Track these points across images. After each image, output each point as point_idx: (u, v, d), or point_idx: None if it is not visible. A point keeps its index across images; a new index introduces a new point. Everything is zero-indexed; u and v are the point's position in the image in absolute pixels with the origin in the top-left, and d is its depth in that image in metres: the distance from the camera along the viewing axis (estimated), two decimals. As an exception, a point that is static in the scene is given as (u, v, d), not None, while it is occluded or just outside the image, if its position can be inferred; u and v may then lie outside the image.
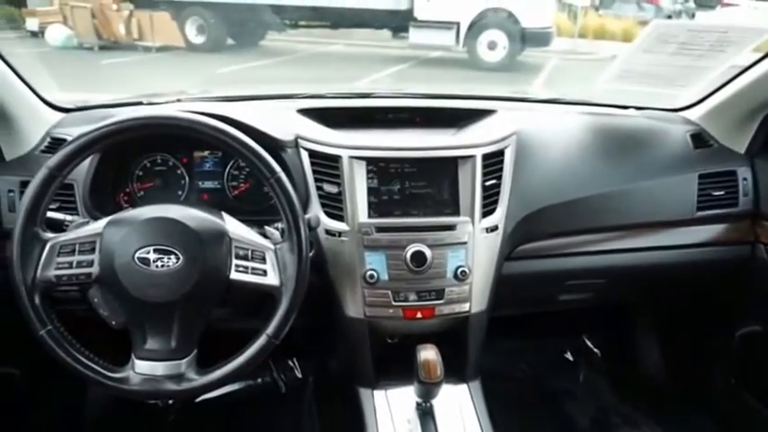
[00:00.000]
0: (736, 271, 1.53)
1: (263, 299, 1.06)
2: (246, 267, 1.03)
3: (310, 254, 1.20)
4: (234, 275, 1.02)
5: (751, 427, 1.60)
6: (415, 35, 8.85)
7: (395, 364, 1.36)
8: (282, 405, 1.90)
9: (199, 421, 1.86)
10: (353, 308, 1.28)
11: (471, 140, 1.32)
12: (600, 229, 1.43)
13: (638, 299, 1.85)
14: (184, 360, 1.01)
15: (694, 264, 1.48)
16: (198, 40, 9.04)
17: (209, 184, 1.39)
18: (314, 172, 1.28)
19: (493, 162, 1.31)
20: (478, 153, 1.29)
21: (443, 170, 1.29)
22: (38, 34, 8.32)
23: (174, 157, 1.37)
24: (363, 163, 1.27)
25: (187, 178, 1.38)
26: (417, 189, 1.29)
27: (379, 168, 1.28)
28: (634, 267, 1.46)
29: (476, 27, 8.58)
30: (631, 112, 1.67)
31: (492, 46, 8.57)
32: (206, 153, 1.38)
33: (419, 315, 1.27)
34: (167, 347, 1.00)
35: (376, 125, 1.41)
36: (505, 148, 1.34)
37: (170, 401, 1.91)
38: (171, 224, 0.99)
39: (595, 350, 2.14)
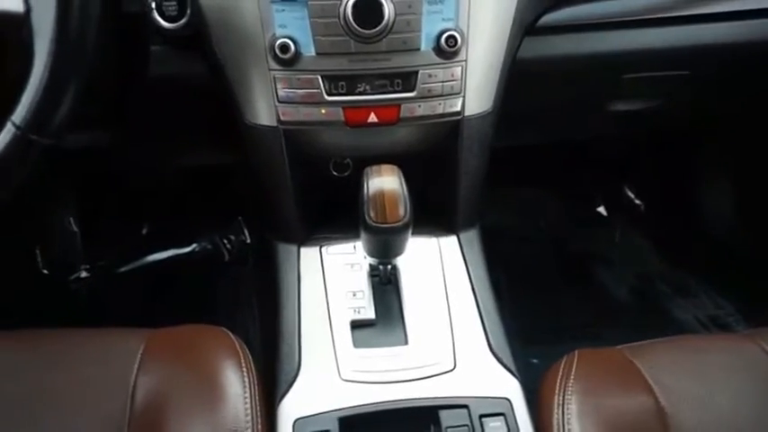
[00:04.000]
0: None
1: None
2: None
3: (181, 20, 0.72)
4: None
5: None
6: None
7: (344, 211, 0.86)
8: (222, 276, 1.45)
9: (114, 295, 1.43)
10: (259, 108, 0.75)
11: None
12: None
13: (732, 110, 1.26)
14: None
15: None
16: None
17: None
18: None
19: None
20: None
21: None
22: None
23: None
24: None
25: None
26: None
27: None
28: (746, 46, 0.87)
29: None
30: None
31: None
32: None
33: (373, 118, 0.74)
34: None
35: None
36: None
37: (82, 275, 1.48)
38: None
39: (637, 201, 1.62)
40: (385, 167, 0.66)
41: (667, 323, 1.37)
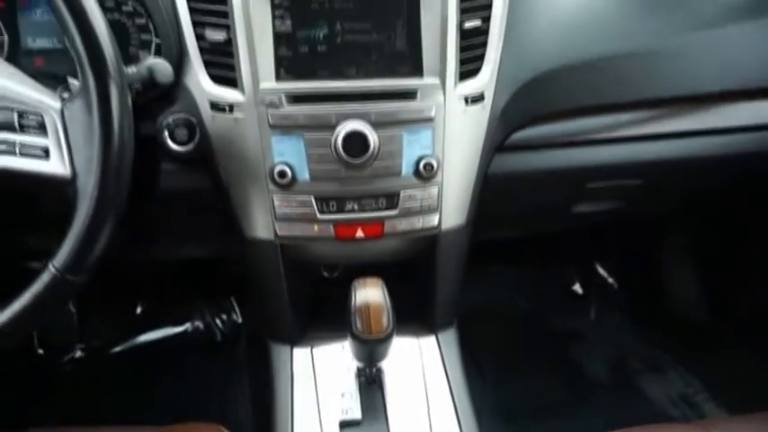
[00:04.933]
0: None
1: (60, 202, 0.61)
2: (12, 144, 0.58)
3: (189, 144, 0.80)
4: None
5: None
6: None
7: (334, 309, 0.93)
8: (214, 357, 1.49)
9: (108, 376, 1.46)
10: (259, 225, 0.83)
11: None
12: (640, 104, 0.96)
13: (682, 208, 1.38)
14: None
15: None
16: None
17: (44, 43, 0.90)
18: (191, 11, 0.80)
19: None
20: None
21: (397, 4, 0.81)
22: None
23: None
24: None
25: (6, 35, 0.89)
26: (355, 35, 0.81)
27: (294, 2, 0.80)
28: (688, 160, 0.99)
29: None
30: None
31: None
32: None
33: (360, 234, 0.82)
34: None
35: None
36: None
37: (77, 355, 1.52)
38: None
39: (610, 280, 1.71)
40: (370, 281, 0.74)
41: (640, 400, 1.43)
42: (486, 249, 1.20)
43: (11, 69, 0.63)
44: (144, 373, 1.46)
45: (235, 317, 1.59)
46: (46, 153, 0.59)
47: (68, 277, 0.58)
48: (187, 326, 1.58)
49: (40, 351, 1.49)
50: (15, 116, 0.58)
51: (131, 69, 0.66)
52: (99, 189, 0.57)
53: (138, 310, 1.59)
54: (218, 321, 1.59)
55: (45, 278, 0.58)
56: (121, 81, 0.58)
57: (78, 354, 1.51)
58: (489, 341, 1.51)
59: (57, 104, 0.60)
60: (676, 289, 1.57)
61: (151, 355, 1.51)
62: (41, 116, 0.59)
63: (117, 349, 1.53)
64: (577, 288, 1.73)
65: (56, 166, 0.59)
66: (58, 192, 0.59)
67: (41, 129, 0.59)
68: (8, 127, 0.58)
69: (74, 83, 0.65)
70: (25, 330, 0.60)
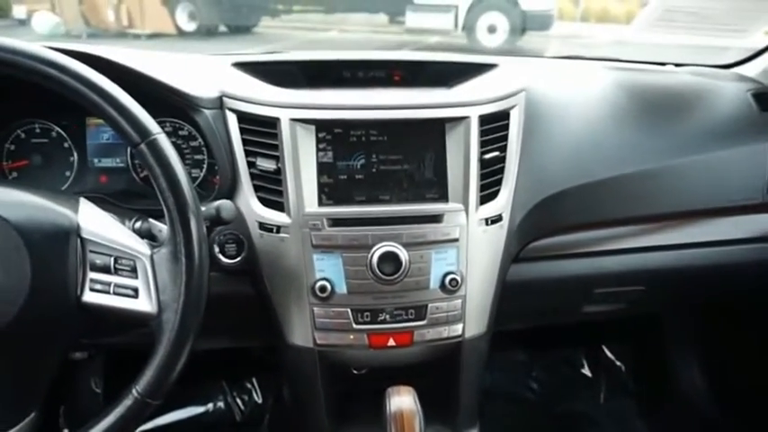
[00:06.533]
0: None
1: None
2: (107, 284, 0.67)
3: (238, 258, 0.90)
4: (88, 297, 0.67)
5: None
6: (412, 19, 8.48)
7: (362, 404, 1.00)
8: None
9: None
10: (299, 333, 0.92)
11: (464, 97, 0.95)
12: (639, 219, 1.06)
13: (685, 307, 1.47)
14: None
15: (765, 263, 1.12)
16: (189, 26, 8.61)
17: (108, 163, 1.02)
18: (244, 142, 0.91)
19: (494, 128, 0.95)
20: (474, 114, 0.92)
21: (425, 138, 0.93)
22: (25, 22, 7.87)
23: (59, 125, 1.00)
24: (312, 128, 0.90)
25: (76, 154, 1.01)
26: (389, 165, 0.92)
27: (335, 136, 0.91)
28: (685, 269, 1.09)
29: (475, 9, 8.20)
30: (670, 68, 1.30)
31: (492, 29, 8.18)
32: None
33: (392, 342, 0.91)
34: None
35: (338, 85, 1.04)
36: (511, 108, 0.97)
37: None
38: None
39: (618, 363, 1.77)
40: (403, 390, 0.82)
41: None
42: (497, 335, 1.28)
43: (110, 219, 0.73)
44: None
45: (255, 397, 1.64)
46: (135, 292, 0.68)
47: (149, 401, 0.67)
48: (208, 406, 1.63)
49: (66, 431, 1.53)
50: (112, 261, 0.68)
51: (203, 208, 0.77)
52: (181, 324, 0.67)
53: None
54: (238, 402, 1.64)
55: (128, 402, 0.67)
56: (200, 227, 0.68)
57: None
58: (504, 421, 1.56)
59: (147, 251, 0.70)
60: (680, 374, 1.62)
61: None
62: (134, 261, 0.69)
63: (139, 430, 1.57)
64: (586, 371, 1.78)
65: (143, 303, 0.68)
66: (142, 325, 0.69)
67: (133, 272, 0.68)
68: (105, 269, 0.68)
69: (155, 223, 0.75)
70: None
